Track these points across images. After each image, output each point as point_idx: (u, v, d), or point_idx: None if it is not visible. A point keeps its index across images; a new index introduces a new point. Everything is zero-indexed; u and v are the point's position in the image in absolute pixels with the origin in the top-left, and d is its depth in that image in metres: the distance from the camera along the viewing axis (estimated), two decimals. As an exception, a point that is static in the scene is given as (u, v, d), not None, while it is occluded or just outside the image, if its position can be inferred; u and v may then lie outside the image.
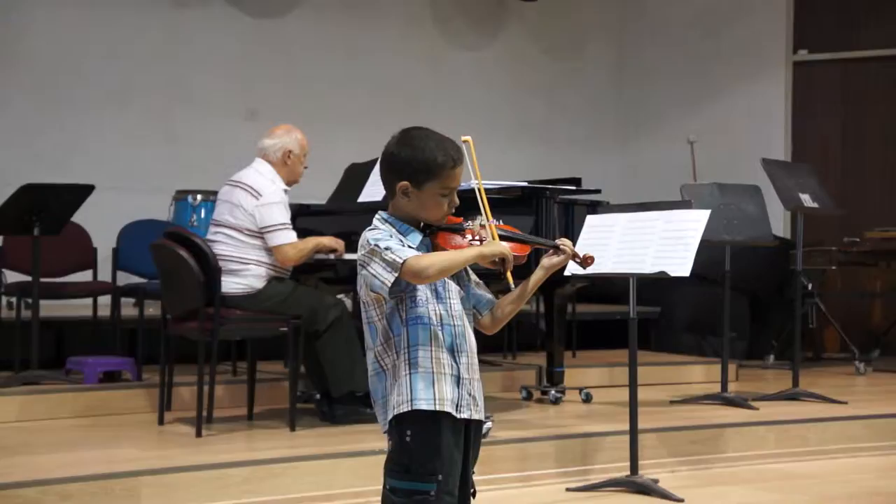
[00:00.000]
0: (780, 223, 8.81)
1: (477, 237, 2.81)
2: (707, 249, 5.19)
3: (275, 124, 5.99)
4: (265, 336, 5.82)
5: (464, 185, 2.84)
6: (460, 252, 2.75)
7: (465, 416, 2.77)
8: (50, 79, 8.71)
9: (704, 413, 6.30)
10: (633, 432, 5.08)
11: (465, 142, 2.85)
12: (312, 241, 5.76)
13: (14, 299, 6.96)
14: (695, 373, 7.74)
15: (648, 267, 4.96)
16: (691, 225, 5.02)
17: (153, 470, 4.61)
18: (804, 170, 7.53)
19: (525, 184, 6.01)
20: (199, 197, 7.95)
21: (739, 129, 10.08)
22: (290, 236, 5.68)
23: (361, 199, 6.16)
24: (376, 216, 2.82)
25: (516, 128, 10.13)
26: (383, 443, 2.83)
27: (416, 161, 2.77)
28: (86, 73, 8.84)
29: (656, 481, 5.05)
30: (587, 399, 6.60)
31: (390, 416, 2.75)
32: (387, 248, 2.69)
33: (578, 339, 8.16)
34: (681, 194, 6.42)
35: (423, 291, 2.76)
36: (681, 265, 4.90)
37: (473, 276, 2.90)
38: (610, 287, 7.44)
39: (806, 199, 7.05)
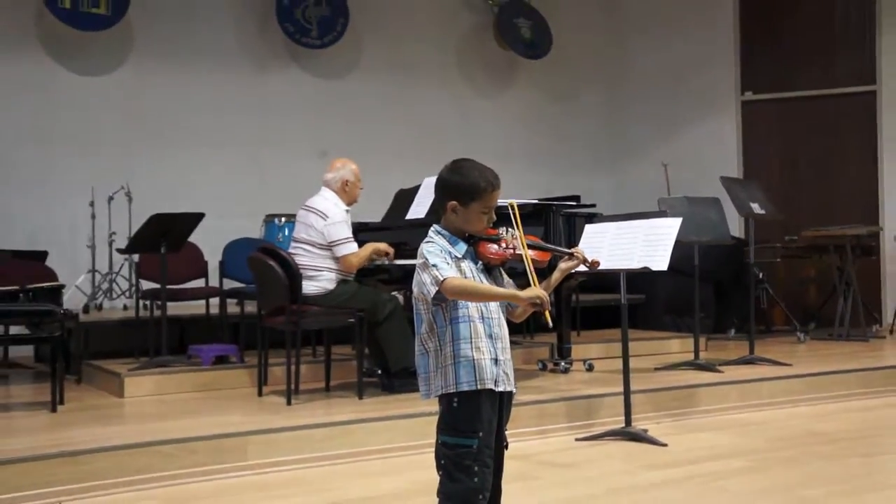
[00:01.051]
0: (736, 226, 8.70)
1: (511, 246, 2.79)
2: (680, 248, 5.14)
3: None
4: (337, 326, 5.80)
5: (501, 202, 2.82)
6: (494, 290, 2.72)
7: (500, 389, 2.75)
8: (171, 132, 8.76)
9: (681, 376, 6.22)
10: (627, 393, 5.04)
11: (510, 206, 2.82)
12: (370, 248, 5.73)
13: (148, 302, 7.00)
14: (673, 345, 7.65)
15: (635, 263, 4.92)
16: (667, 230, 4.98)
17: (256, 431, 4.62)
18: (754, 185, 7.47)
19: (536, 201, 5.97)
20: (283, 219, 7.93)
21: (702, 154, 9.99)
22: (352, 248, 5.66)
23: (408, 216, 6.15)
24: (432, 229, 2.79)
25: (527, 158, 10.08)
26: (432, 407, 2.80)
27: (464, 186, 2.74)
28: (196, 127, 8.88)
29: (646, 431, 5.01)
30: (590, 368, 6.55)
31: (436, 393, 2.71)
32: (434, 265, 2.66)
33: (582, 322, 8.09)
34: (658, 206, 6.36)
35: None
36: (660, 261, 4.86)
37: (507, 278, 2.87)
38: (605, 279, 7.36)
39: (755, 207, 6.98)
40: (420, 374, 2.78)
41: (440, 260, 2.68)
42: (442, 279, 2.63)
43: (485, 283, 2.75)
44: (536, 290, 2.68)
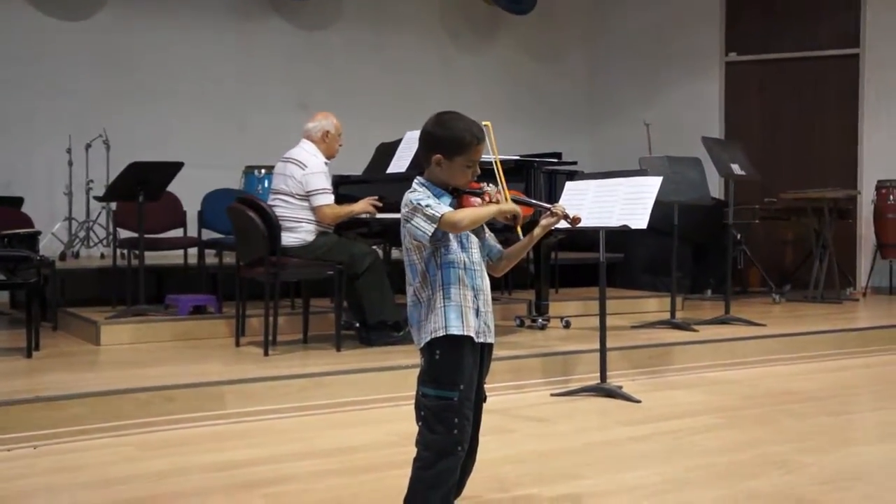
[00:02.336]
0: (715, 187, 8.74)
1: (493, 200, 2.79)
2: (660, 208, 5.16)
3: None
4: (315, 278, 5.79)
5: (485, 158, 2.81)
6: (485, 208, 2.72)
7: (481, 340, 2.75)
8: (150, 81, 8.69)
9: (657, 335, 6.28)
10: (603, 350, 5.07)
11: (485, 125, 2.81)
12: (347, 208, 5.73)
13: (125, 251, 6.96)
14: (650, 304, 7.72)
15: (614, 221, 4.93)
16: (647, 189, 4.98)
17: (233, 380, 4.62)
18: (734, 146, 7.49)
19: (518, 157, 5.96)
20: (263, 171, 7.91)
21: (684, 114, 10.00)
22: (329, 199, 5.64)
23: (389, 170, 6.13)
24: (415, 181, 2.78)
25: (509, 115, 10.03)
26: (409, 360, 2.82)
27: (448, 139, 2.72)
28: (177, 77, 8.81)
29: (620, 387, 5.05)
30: (567, 325, 6.58)
31: (426, 339, 2.71)
32: (427, 206, 2.65)
33: (560, 279, 8.13)
34: (639, 165, 6.38)
35: (453, 242, 2.72)
36: (640, 220, 4.87)
37: (488, 232, 2.87)
38: (584, 238, 7.39)
39: (735, 168, 7.00)
40: (413, 324, 2.77)
41: (432, 200, 2.68)
42: (439, 215, 2.63)
43: (472, 234, 2.76)
44: (511, 205, 2.73)
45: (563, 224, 2.94)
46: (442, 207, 2.67)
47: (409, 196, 2.72)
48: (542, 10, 10.34)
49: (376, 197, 5.77)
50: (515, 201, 2.84)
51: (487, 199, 2.78)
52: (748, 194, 8.87)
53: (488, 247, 2.87)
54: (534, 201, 2.98)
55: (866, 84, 9.38)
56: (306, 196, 5.60)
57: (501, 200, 2.79)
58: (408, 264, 2.77)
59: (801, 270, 9.00)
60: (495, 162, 2.82)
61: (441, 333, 2.68)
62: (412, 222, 2.67)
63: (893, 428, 4.54)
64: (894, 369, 6.08)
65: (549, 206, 2.91)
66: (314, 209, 5.61)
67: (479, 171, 2.79)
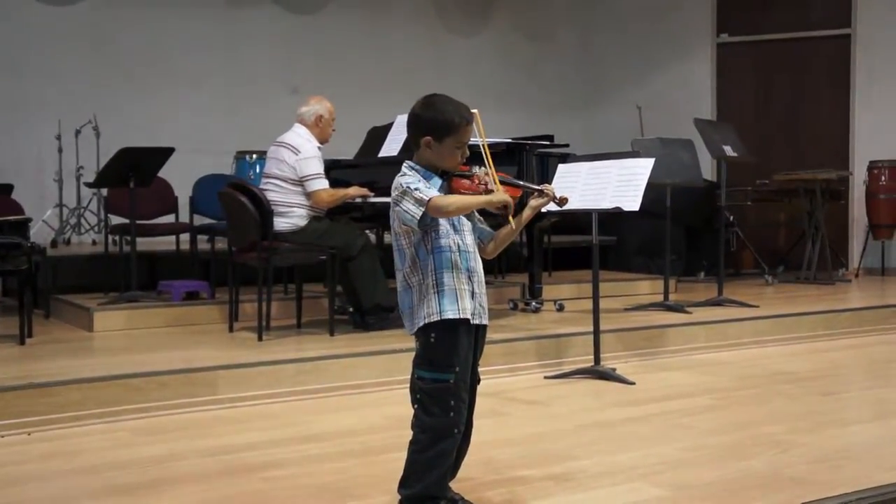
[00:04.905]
0: (708, 169, 8.74)
1: (482, 182, 2.80)
2: (652, 190, 5.16)
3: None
4: (308, 263, 5.79)
5: (472, 142, 2.81)
6: (474, 197, 2.73)
7: (476, 322, 2.77)
8: (140, 66, 8.66)
9: (651, 317, 6.30)
10: (596, 332, 5.09)
11: (474, 112, 2.81)
12: (342, 192, 5.72)
13: (117, 237, 6.94)
14: (643, 286, 7.72)
15: (607, 203, 4.93)
16: (640, 171, 4.98)
17: (226, 365, 4.62)
18: (726, 127, 7.49)
19: (509, 140, 5.96)
20: (254, 156, 7.88)
21: (676, 95, 10.00)
22: (324, 184, 5.63)
23: (381, 154, 6.12)
24: (405, 164, 2.78)
25: (501, 97, 10.02)
26: (403, 344, 2.82)
27: (438, 121, 2.72)
28: (166, 61, 8.77)
29: (614, 370, 5.08)
30: (560, 308, 6.60)
31: (420, 324, 2.72)
32: (416, 189, 2.66)
33: (553, 262, 8.13)
34: (631, 147, 6.38)
35: (444, 226, 2.74)
36: (632, 202, 4.88)
37: (477, 215, 2.88)
38: (577, 221, 7.38)
39: (728, 150, 7.01)
40: (403, 310, 2.79)
41: (421, 184, 2.68)
42: (427, 199, 2.63)
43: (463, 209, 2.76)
44: (502, 195, 2.73)
45: (551, 205, 2.95)
46: (431, 192, 2.67)
47: (399, 180, 2.72)
48: (534, -8, 10.32)
49: (366, 189, 5.77)
50: (504, 183, 2.85)
51: (477, 181, 2.79)
52: (740, 176, 8.88)
53: (479, 230, 2.89)
54: (522, 183, 2.99)
55: (858, 64, 9.38)
56: (299, 181, 5.59)
57: (490, 183, 2.79)
58: (396, 249, 2.77)
59: (793, 252, 9.03)
60: (483, 147, 2.82)
61: (436, 318, 2.69)
62: (401, 206, 2.68)
63: (885, 407, 4.58)
64: (886, 349, 6.12)
65: (538, 187, 2.92)
66: (309, 194, 5.59)
67: (468, 152, 2.80)
